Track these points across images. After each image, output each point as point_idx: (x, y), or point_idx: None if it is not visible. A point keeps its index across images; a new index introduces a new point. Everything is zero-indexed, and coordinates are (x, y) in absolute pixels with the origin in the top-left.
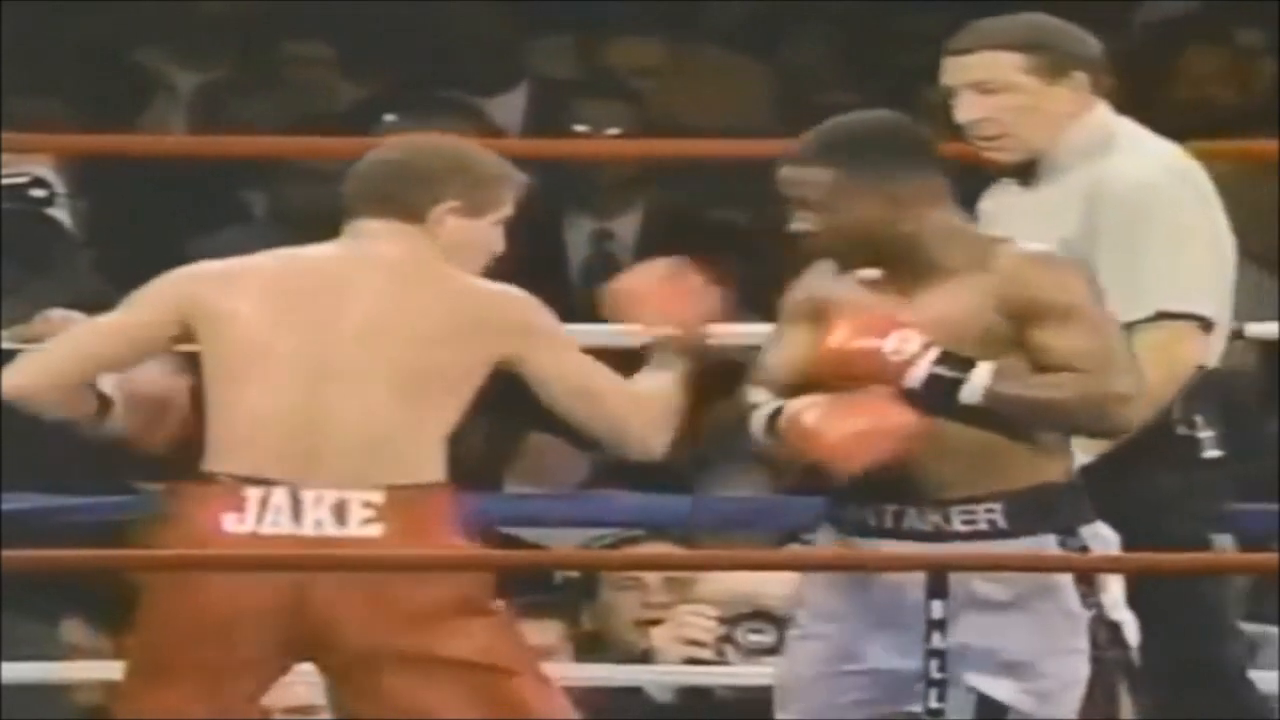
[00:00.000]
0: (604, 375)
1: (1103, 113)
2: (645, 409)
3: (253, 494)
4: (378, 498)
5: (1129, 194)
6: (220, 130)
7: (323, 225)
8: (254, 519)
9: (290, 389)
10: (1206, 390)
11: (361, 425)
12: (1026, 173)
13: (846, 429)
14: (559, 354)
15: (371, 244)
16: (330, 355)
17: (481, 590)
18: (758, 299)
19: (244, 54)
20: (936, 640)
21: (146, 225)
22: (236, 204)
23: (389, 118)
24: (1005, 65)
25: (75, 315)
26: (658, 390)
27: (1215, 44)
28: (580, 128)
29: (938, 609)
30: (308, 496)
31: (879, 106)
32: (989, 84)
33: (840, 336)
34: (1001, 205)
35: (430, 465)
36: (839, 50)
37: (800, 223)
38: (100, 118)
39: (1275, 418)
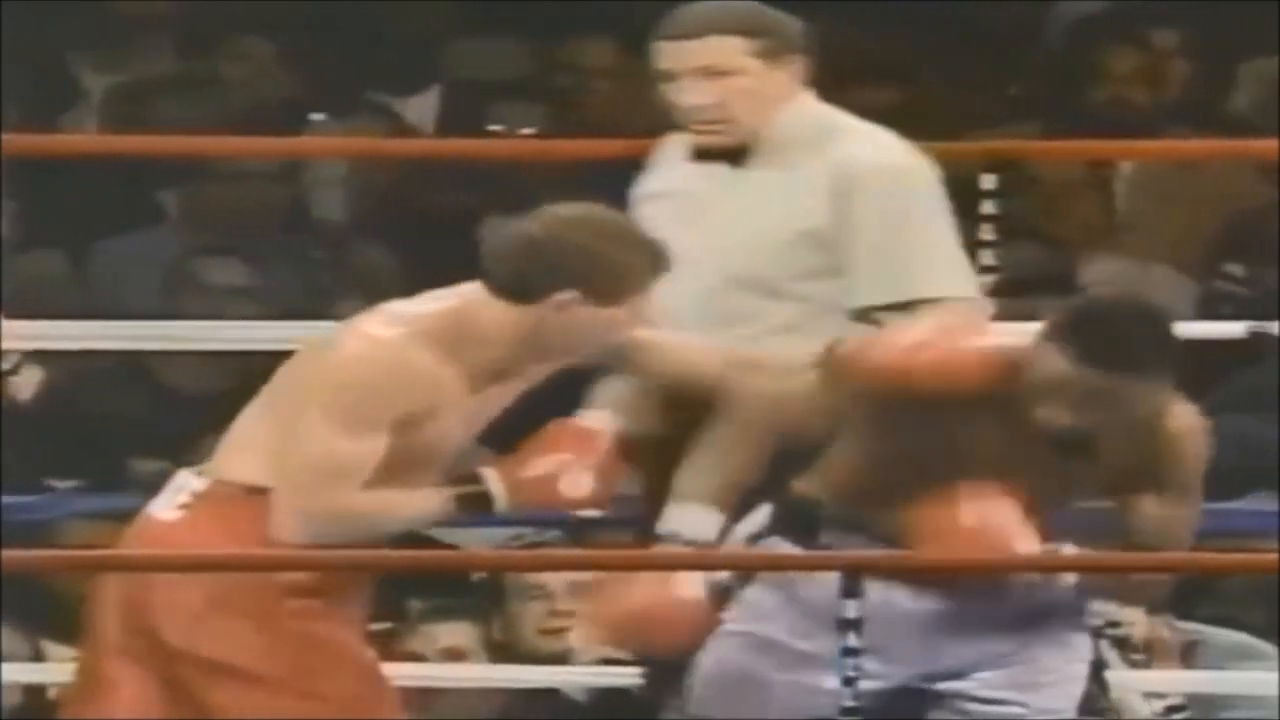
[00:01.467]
0: (306, 467)
1: (811, 99)
2: (321, 495)
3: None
4: (201, 486)
5: (885, 179)
6: (134, 131)
7: (239, 225)
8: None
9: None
10: None
11: (243, 424)
12: (736, 156)
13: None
14: (307, 418)
15: (435, 300)
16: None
17: (274, 594)
18: None
19: (161, 55)
20: (851, 639)
21: (66, 225)
22: (151, 204)
23: (317, 117)
24: (732, 49)
25: None
26: (377, 501)
27: (1131, 44)
28: (495, 128)
29: (851, 609)
30: (180, 477)
31: None
32: (717, 68)
33: (972, 517)
34: (707, 189)
35: (269, 472)
36: None
37: (1060, 420)
38: (24, 120)
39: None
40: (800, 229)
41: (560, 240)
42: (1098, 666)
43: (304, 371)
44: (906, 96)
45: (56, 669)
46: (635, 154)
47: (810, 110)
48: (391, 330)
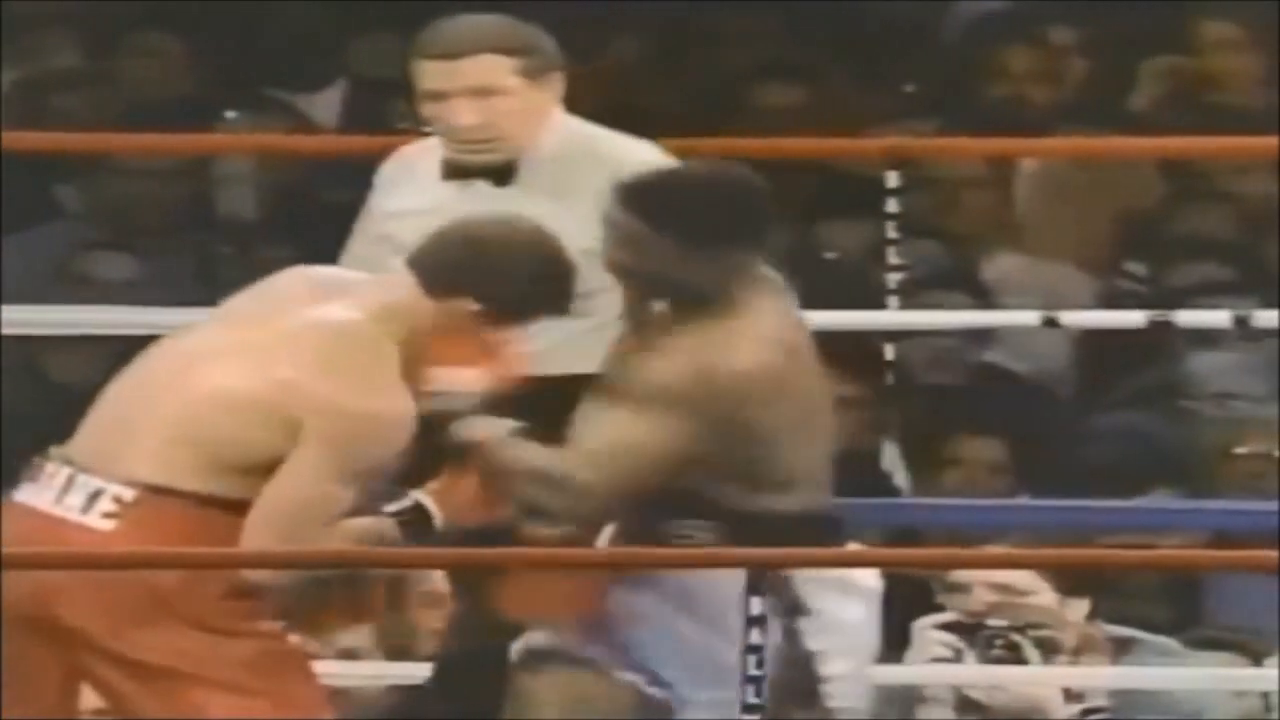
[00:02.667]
0: (293, 509)
1: (564, 115)
2: (299, 534)
3: (48, 468)
4: (129, 494)
5: None
6: (39, 127)
7: (141, 221)
8: (33, 491)
9: (137, 383)
10: None
11: (162, 426)
12: (500, 175)
13: None
14: (309, 461)
15: (352, 288)
16: (183, 363)
17: (217, 597)
18: None
19: (66, 51)
20: (755, 636)
21: None
22: (49, 200)
23: (231, 115)
24: (499, 68)
25: None
26: (341, 533)
27: (1030, 42)
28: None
29: (756, 605)
30: (79, 479)
31: (701, 108)
32: (486, 87)
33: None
34: (478, 209)
35: (209, 480)
36: (660, 51)
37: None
38: None
39: (1093, 409)
40: (583, 248)
41: (486, 254)
42: (799, 657)
43: (236, 382)
44: (807, 95)
45: None
46: None
47: (572, 127)
48: (390, 385)
